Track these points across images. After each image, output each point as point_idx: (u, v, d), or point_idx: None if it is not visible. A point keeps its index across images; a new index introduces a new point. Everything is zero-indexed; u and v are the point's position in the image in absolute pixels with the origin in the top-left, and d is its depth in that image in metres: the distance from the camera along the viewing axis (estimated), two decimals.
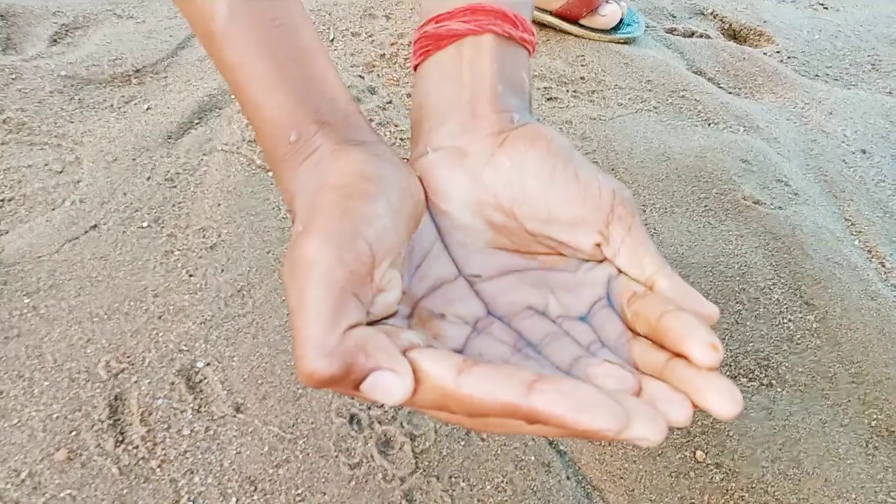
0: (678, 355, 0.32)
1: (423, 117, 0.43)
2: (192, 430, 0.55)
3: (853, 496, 0.63)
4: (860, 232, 0.89)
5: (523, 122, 0.41)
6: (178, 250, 0.67)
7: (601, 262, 0.40)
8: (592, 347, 0.37)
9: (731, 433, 0.65)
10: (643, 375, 0.33)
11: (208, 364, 0.59)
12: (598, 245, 0.39)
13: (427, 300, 0.38)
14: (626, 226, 0.38)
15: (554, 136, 0.40)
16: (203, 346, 0.60)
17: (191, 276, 0.65)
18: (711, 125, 1.01)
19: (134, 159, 0.76)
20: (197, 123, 0.83)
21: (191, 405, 0.57)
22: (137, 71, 0.88)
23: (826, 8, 1.47)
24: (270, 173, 0.77)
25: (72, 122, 0.79)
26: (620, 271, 0.40)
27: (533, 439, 0.61)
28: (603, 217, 0.38)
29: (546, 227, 0.39)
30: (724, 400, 0.29)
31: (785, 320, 0.75)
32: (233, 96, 0.89)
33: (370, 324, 0.32)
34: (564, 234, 0.39)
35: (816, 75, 1.23)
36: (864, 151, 1.02)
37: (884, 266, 0.85)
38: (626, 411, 0.27)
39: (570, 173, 0.39)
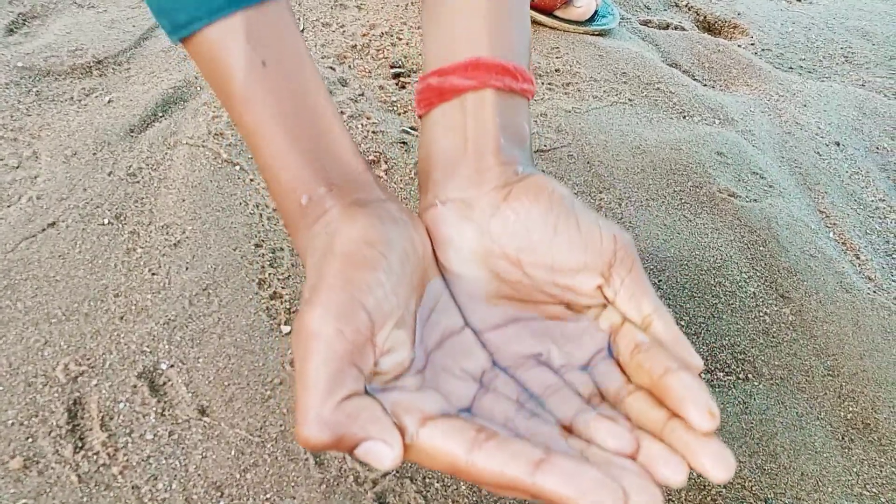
0: (676, 415, 0.35)
1: (431, 168, 0.45)
2: (155, 435, 0.53)
3: (829, 489, 0.63)
4: (835, 224, 0.89)
5: (526, 173, 0.43)
6: (141, 248, 0.65)
7: (604, 307, 0.42)
8: (593, 401, 0.39)
9: None
10: (641, 433, 0.35)
11: (172, 366, 0.57)
12: (600, 287, 0.42)
13: (437, 353, 0.41)
14: (627, 267, 0.41)
15: (555, 188, 0.42)
16: (167, 346, 0.58)
17: (154, 274, 0.63)
18: (686, 118, 1.00)
19: (94, 154, 0.73)
20: (161, 116, 0.80)
21: (154, 408, 0.55)
22: (99, 62, 0.85)
23: (800, 1, 1.48)
24: (237, 167, 0.75)
25: (29, 116, 0.76)
26: (621, 313, 0.42)
27: None
28: (605, 261, 0.40)
29: (551, 274, 0.41)
30: (718, 465, 0.32)
31: (761, 313, 0.75)
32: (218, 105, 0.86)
33: (386, 382, 0.36)
34: (568, 279, 0.41)
35: (791, 68, 1.24)
36: (837, 144, 1.02)
37: (858, 258, 0.85)
38: (624, 492, 0.30)
39: (573, 223, 0.41)
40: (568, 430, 0.38)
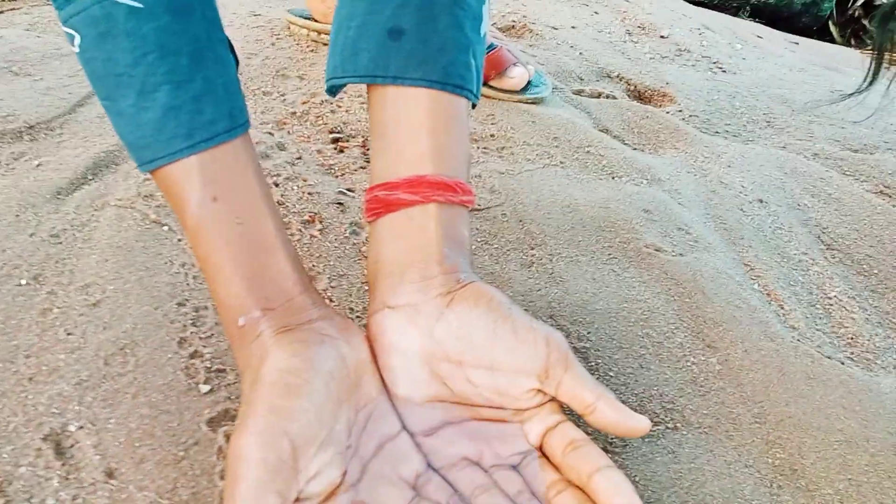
0: None
1: (380, 273, 0.49)
2: (57, 500, 0.51)
3: None
4: (759, 276, 0.91)
5: (467, 280, 0.48)
6: (58, 308, 0.64)
7: (539, 408, 0.46)
8: (520, 498, 0.43)
9: (637, 478, 0.64)
10: None
11: (81, 427, 0.55)
12: (538, 390, 0.45)
13: (374, 461, 0.44)
14: (563, 367, 0.44)
15: (494, 294, 0.47)
16: (77, 408, 0.56)
17: (69, 334, 0.61)
18: (615, 178, 1.04)
19: (17, 215, 0.72)
20: (91, 179, 0.80)
21: (58, 472, 0.52)
22: (31, 127, 0.85)
23: (724, 71, 1.57)
24: (165, 227, 0.75)
25: None
26: (564, 406, 0.46)
27: None
28: (541, 363, 0.44)
29: (491, 376, 0.45)
30: None
31: (688, 363, 0.76)
32: None
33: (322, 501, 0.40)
34: (507, 380, 0.45)
35: (716, 132, 1.30)
36: (761, 201, 1.07)
37: (783, 308, 0.87)
38: None
39: (509, 327, 0.45)
40: None
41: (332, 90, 0.61)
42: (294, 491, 0.38)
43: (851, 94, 0.71)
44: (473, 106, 0.57)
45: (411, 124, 0.51)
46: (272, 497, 0.36)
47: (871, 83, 0.70)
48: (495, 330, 0.45)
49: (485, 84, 1.20)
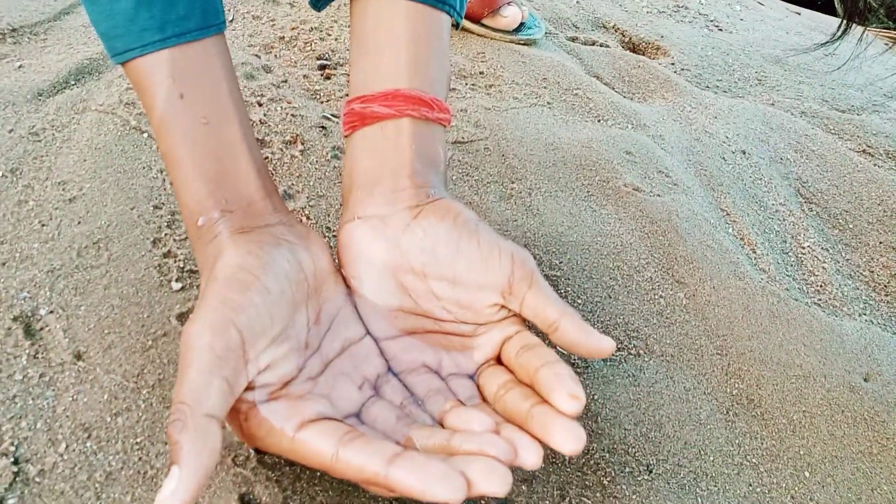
0: (545, 402, 0.40)
1: (352, 186, 0.50)
2: (24, 376, 0.52)
3: (711, 458, 0.65)
4: (734, 222, 0.93)
5: (437, 196, 0.48)
6: (34, 200, 0.64)
7: (501, 321, 0.47)
8: (471, 402, 0.44)
9: (595, 397, 0.66)
10: (504, 423, 0.40)
11: (51, 312, 0.56)
12: (500, 306, 0.46)
13: (338, 360, 0.45)
14: (527, 283, 0.45)
15: (462, 211, 0.47)
16: (48, 293, 0.57)
17: (43, 225, 0.62)
18: (601, 121, 1.04)
19: None
20: (73, 84, 0.80)
21: (27, 351, 0.53)
22: (14, 30, 0.85)
23: (721, 29, 1.56)
24: (145, 134, 0.75)
25: None
26: (528, 323, 0.47)
27: None
28: (504, 279, 0.45)
29: (453, 289, 0.46)
30: (569, 438, 0.36)
31: (656, 296, 0.77)
32: None
33: (272, 392, 0.41)
34: (468, 295, 0.46)
35: (707, 86, 1.30)
36: (743, 152, 1.07)
37: (755, 252, 0.89)
38: (466, 481, 0.34)
39: (474, 243, 0.45)
40: (441, 425, 0.42)
41: (316, 4, 0.60)
42: (242, 379, 0.39)
43: (824, 44, 0.71)
44: (455, 26, 0.57)
45: (390, 35, 0.51)
46: (218, 381, 0.37)
47: (842, 34, 0.70)
48: (459, 244, 0.45)
49: (477, 22, 1.19)
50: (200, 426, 0.36)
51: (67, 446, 0.49)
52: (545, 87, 1.09)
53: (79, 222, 0.63)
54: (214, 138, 0.47)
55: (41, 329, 0.55)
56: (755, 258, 0.88)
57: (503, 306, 0.47)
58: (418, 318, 0.48)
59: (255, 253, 0.43)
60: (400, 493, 0.35)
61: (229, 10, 1.08)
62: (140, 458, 0.50)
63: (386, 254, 0.46)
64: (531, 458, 0.37)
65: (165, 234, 0.65)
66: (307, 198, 0.77)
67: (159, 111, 0.46)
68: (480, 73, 1.09)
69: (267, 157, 0.79)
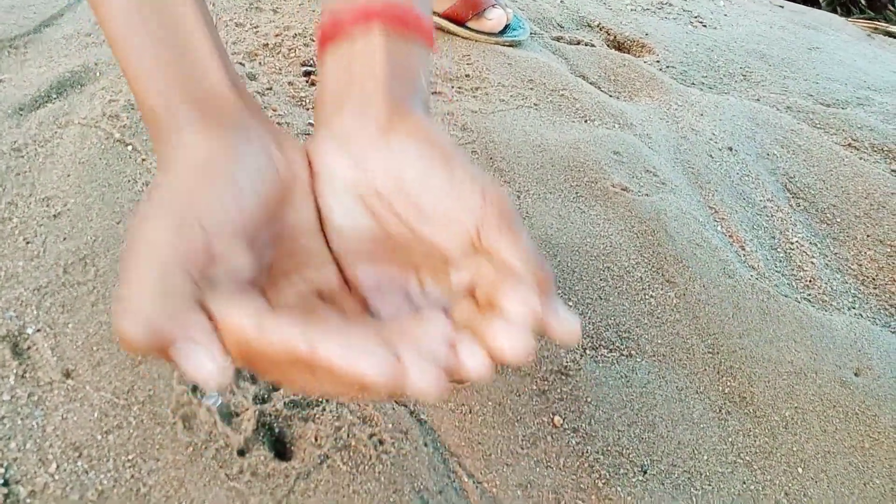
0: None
1: (322, 104, 0.46)
2: (12, 396, 0.51)
3: (705, 457, 0.65)
4: (723, 219, 0.93)
5: (412, 115, 0.44)
6: (17, 218, 0.63)
7: (469, 258, 0.42)
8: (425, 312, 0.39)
9: (588, 399, 0.66)
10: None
11: (39, 330, 0.56)
12: (470, 243, 0.41)
13: (294, 272, 0.41)
14: (498, 229, 0.39)
15: (436, 133, 0.43)
16: (35, 312, 0.57)
17: (28, 243, 0.61)
18: (588, 121, 1.04)
19: None
20: (55, 98, 0.79)
21: (14, 371, 0.53)
22: None
23: (705, 25, 1.56)
24: (129, 147, 0.74)
25: None
26: (498, 263, 0.41)
27: (392, 408, 0.60)
28: (474, 215, 0.40)
29: (419, 222, 0.41)
30: (514, 344, 0.32)
31: (647, 296, 0.77)
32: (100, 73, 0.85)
33: (223, 292, 0.35)
34: (435, 228, 0.41)
35: (692, 83, 1.30)
36: (730, 149, 1.08)
37: (744, 249, 0.89)
38: (399, 362, 0.30)
39: (447, 171, 0.40)
40: None
41: None
42: (206, 274, 0.34)
43: None
44: None
45: None
46: (183, 276, 0.33)
47: None
48: (429, 170, 0.41)
49: (462, 25, 1.19)
50: (180, 308, 0.31)
51: (58, 466, 0.49)
52: (531, 89, 1.09)
53: (64, 238, 0.63)
54: (177, 29, 0.43)
55: (28, 348, 0.55)
56: (744, 255, 0.88)
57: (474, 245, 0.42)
58: (387, 242, 0.44)
59: (223, 147, 0.39)
60: (320, 367, 0.30)
61: (212, 18, 1.08)
62: (132, 476, 0.50)
63: (349, 172, 0.43)
64: (473, 362, 0.33)
65: None
66: None
67: (116, 6, 0.43)
68: (466, 75, 1.09)
69: None
